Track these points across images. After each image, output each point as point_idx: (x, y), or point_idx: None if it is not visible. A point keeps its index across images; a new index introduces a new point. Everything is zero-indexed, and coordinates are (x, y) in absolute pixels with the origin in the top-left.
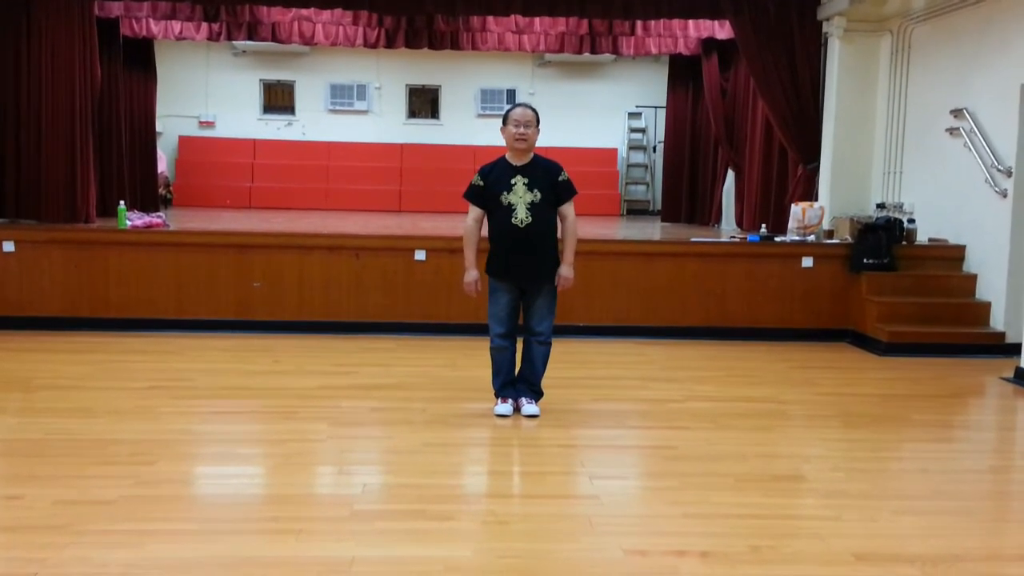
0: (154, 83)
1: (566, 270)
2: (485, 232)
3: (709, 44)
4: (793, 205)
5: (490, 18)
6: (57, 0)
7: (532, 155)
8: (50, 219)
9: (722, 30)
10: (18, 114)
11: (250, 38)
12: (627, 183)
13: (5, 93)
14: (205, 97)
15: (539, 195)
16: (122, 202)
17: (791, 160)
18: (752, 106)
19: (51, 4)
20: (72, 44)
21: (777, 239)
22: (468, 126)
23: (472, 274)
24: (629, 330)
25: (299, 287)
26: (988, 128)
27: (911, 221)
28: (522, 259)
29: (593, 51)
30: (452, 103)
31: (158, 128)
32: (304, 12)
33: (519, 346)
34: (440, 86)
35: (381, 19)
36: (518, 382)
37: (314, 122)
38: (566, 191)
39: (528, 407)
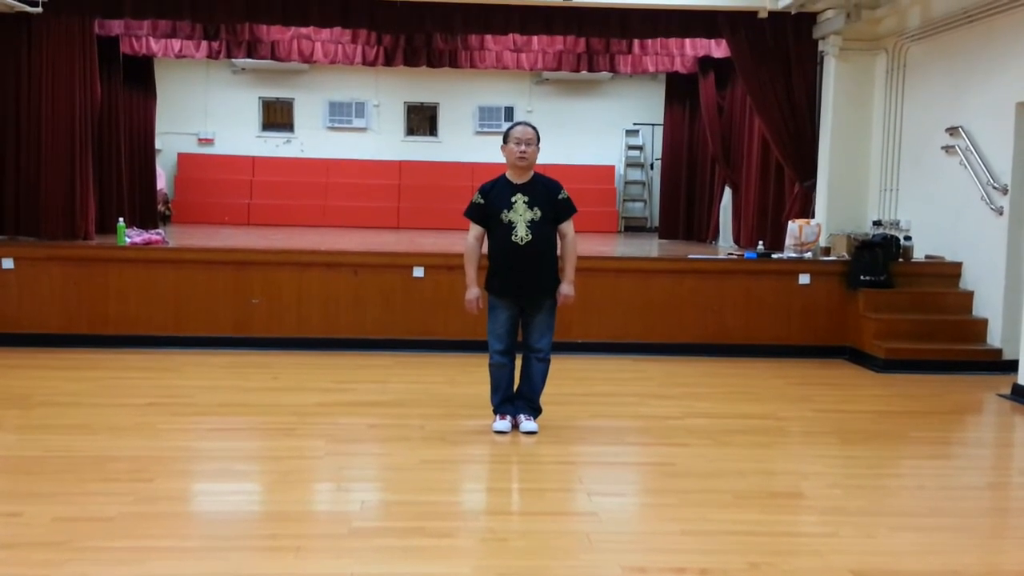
0: (154, 100)
1: (567, 288)
2: (485, 249)
3: (706, 62)
4: (790, 222)
5: (488, 36)
6: (57, 18)
7: (532, 173)
8: (49, 236)
9: (718, 49)
10: (18, 131)
11: (249, 56)
12: (624, 200)
13: (5, 110)
14: (204, 114)
15: (539, 213)
16: (121, 219)
17: (788, 177)
18: (749, 124)
19: (51, 22)
20: (72, 62)
21: (774, 256)
22: (466, 143)
23: (473, 291)
24: (627, 347)
25: (297, 304)
26: (983, 146)
27: (907, 238)
28: (522, 277)
29: (590, 69)
30: (450, 120)
31: (157, 145)
32: (303, 30)
33: (518, 363)
34: (438, 104)
35: (380, 37)
36: (517, 399)
37: (313, 139)
38: (566, 209)
39: (527, 424)
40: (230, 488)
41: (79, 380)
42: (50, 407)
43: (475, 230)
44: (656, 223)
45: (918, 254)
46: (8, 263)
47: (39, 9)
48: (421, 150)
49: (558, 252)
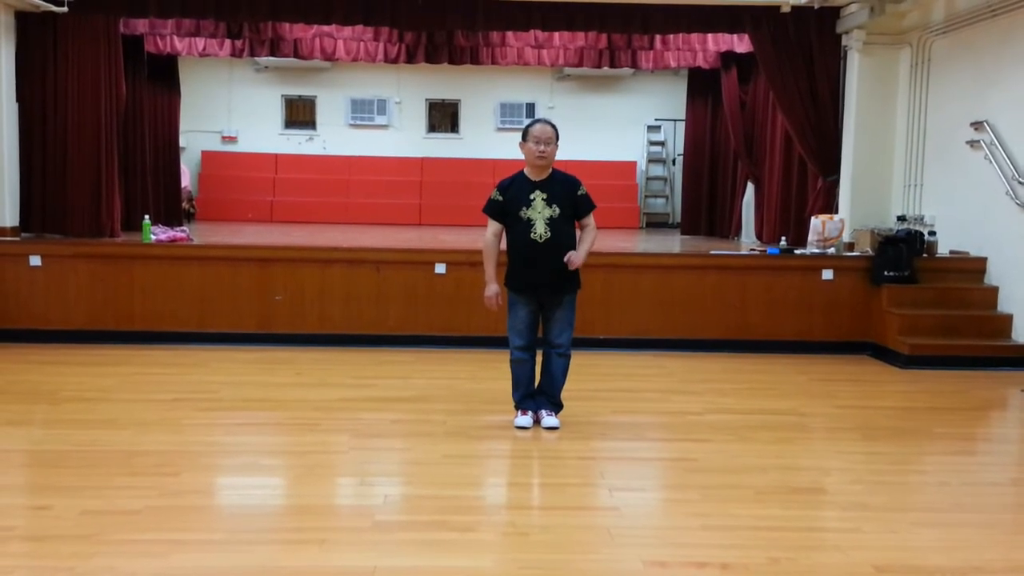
0: (178, 99)
1: (578, 252)
2: (504, 246)
3: (728, 57)
4: (813, 218)
5: (509, 33)
6: (83, 17)
7: (551, 170)
8: (76, 233)
9: (741, 43)
10: (44, 130)
11: (272, 54)
12: (647, 196)
13: (32, 109)
14: (228, 112)
15: (558, 210)
16: (146, 216)
17: (811, 173)
18: (771, 119)
19: (77, 21)
20: (97, 61)
21: (797, 252)
22: (488, 140)
23: (493, 288)
24: (649, 343)
25: (320, 300)
26: (1008, 140)
27: (932, 233)
28: (540, 273)
29: (612, 65)
30: (472, 117)
31: (182, 143)
32: (325, 28)
33: (539, 359)
34: (460, 100)
35: (401, 35)
36: (538, 394)
37: (335, 137)
38: (584, 206)
39: (548, 419)
40: (255, 482)
41: (106, 376)
42: (77, 402)
43: (493, 226)
44: (678, 219)
45: (942, 249)
46: (35, 260)
47: (65, 8)
48: (443, 147)
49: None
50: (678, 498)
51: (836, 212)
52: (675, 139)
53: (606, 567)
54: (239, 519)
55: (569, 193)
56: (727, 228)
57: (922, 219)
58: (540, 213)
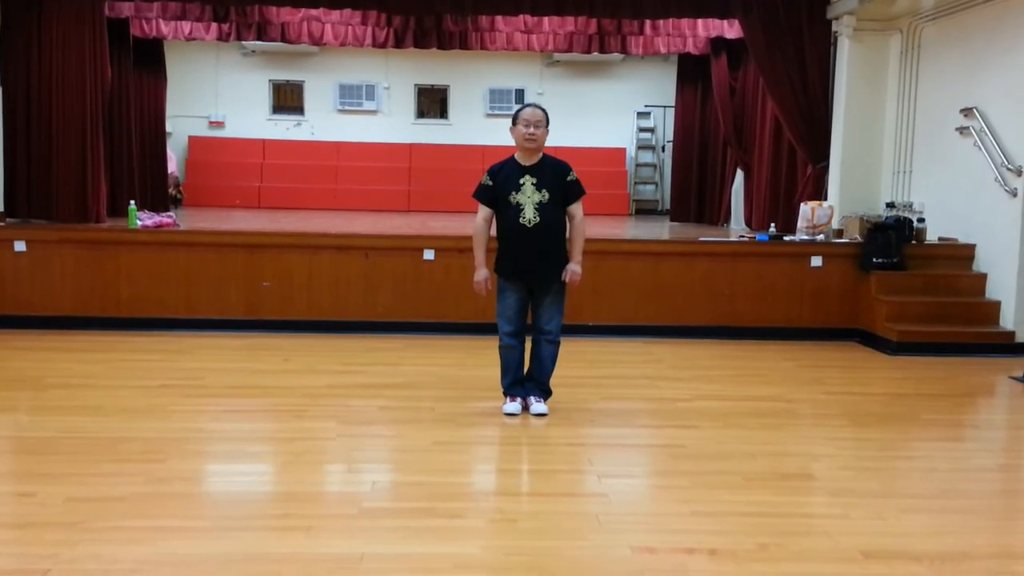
0: (164, 83)
1: (574, 266)
2: (494, 231)
3: (718, 43)
4: (802, 204)
5: (499, 18)
6: (68, 0)
7: (541, 155)
8: (61, 219)
9: (731, 29)
10: (29, 114)
11: (259, 38)
12: (636, 183)
13: (16, 93)
14: (215, 97)
15: (547, 195)
16: (132, 202)
17: (800, 159)
18: (761, 105)
19: (62, 4)
20: (83, 45)
21: (786, 239)
22: (477, 126)
23: (482, 273)
24: (638, 329)
25: (308, 287)
26: (998, 127)
27: (921, 220)
28: (530, 258)
29: (602, 50)
30: (461, 103)
31: (168, 128)
32: (313, 12)
33: (528, 345)
34: (449, 86)
35: (390, 19)
36: (527, 381)
37: (323, 122)
38: (574, 191)
39: (536, 406)
40: (242, 469)
41: (91, 362)
42: (63, 388)
43: (483, 211)
44: (667, 206)
45: (931, 236)
46: (20, 246)
47: None
48: (431, 133)
49: (567, 234)
50: (666, 484)
51: (825, 199)
52: (664, 125)
53: (594, 553)
54: (225, 506)
55: (559, 178)
56: (716, 215)
57: (911, 206)
58: (529, 198)
